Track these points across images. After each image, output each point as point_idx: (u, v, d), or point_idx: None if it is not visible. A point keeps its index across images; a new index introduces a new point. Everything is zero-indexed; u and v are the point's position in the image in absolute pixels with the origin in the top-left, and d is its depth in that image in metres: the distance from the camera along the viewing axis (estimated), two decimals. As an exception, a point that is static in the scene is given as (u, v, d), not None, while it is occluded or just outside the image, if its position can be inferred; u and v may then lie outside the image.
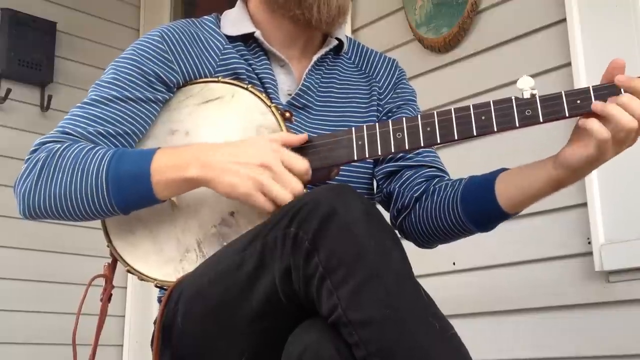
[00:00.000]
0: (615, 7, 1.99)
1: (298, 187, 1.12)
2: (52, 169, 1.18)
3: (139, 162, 1.17)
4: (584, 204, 1.97)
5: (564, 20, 2.09)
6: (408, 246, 1.10)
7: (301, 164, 1.15)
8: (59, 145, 1.20)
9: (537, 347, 2.03)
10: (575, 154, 1.13)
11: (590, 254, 1.94)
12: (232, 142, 1.18)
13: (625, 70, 1.11)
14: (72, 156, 1.18)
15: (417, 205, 1.35)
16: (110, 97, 1.25)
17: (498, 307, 2.14)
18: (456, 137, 1.16)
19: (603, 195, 1.94)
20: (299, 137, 1.19)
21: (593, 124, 1.09)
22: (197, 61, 1.32)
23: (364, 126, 1.20)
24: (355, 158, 1.20)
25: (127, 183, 1.16)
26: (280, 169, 1.12)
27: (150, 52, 1.29)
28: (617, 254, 1.88)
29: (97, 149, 1.19)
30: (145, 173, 1.16)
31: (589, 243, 1.95)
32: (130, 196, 1.17)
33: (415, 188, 1.36)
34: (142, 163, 1.17)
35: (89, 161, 1.17)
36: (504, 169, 1.26)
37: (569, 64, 2.06)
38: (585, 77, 1.98)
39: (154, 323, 1.20)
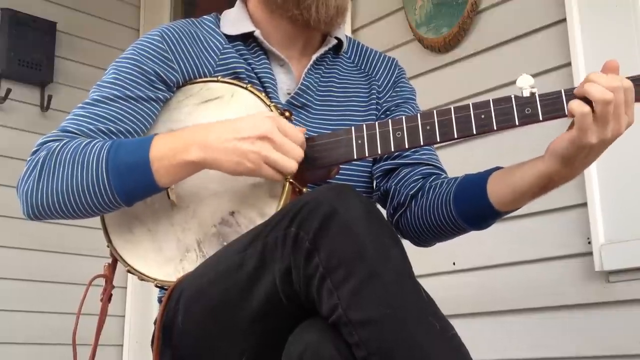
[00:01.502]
0: (615, 7, 1.99)
1: (299, 153, 1.14)
2: (52, 166, 1.18)
3: (137, 151, 1.16)
4: (584, 204, 1.97)
5: (564, 20, 2.09)
6: (408, 246, 1.10)
7: (297, 130, 1.16)
8: (57, 143, 1.20)
9: (537, 347, 2.03)
10: (560, 139, 1.12)
11: (590, 254, 1.94)
12: (228, 119, 1.18)
13: (619, 71, 1.11)
14: (70, 151, 1.18)
15: (413, 203, 1.35)
16: (111, 97, 1.25)
17: (498, 307, 2.14)
18: (456, 136, 1.16)
19: (603, 195, 1.93)
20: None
21: (573, 103, 1.10)
22: (196, 61, 1.32)
23: (364, 125, 1.20)
24: (355, 157, 1.20)
25: (127, 173, 1.15)
26: (280, 137, 1.13)
27: (151, 51, 1.29)
28: (617, 254, 1.88)
29: (94, 142, 1.19)
30: (144, 161, 1.15)
31: (589, 243, 1.95)
32: (131, 186, 1.16)
33: (411, 185, 1.36)
34: (140, 152, 1.16)
35: (87, 154, 1.16)
36: (498, 168, 1.26)
37: (569, 64, 2.05)
38: (585, 77, 1.98)
39: (154, 323, 1.19)
